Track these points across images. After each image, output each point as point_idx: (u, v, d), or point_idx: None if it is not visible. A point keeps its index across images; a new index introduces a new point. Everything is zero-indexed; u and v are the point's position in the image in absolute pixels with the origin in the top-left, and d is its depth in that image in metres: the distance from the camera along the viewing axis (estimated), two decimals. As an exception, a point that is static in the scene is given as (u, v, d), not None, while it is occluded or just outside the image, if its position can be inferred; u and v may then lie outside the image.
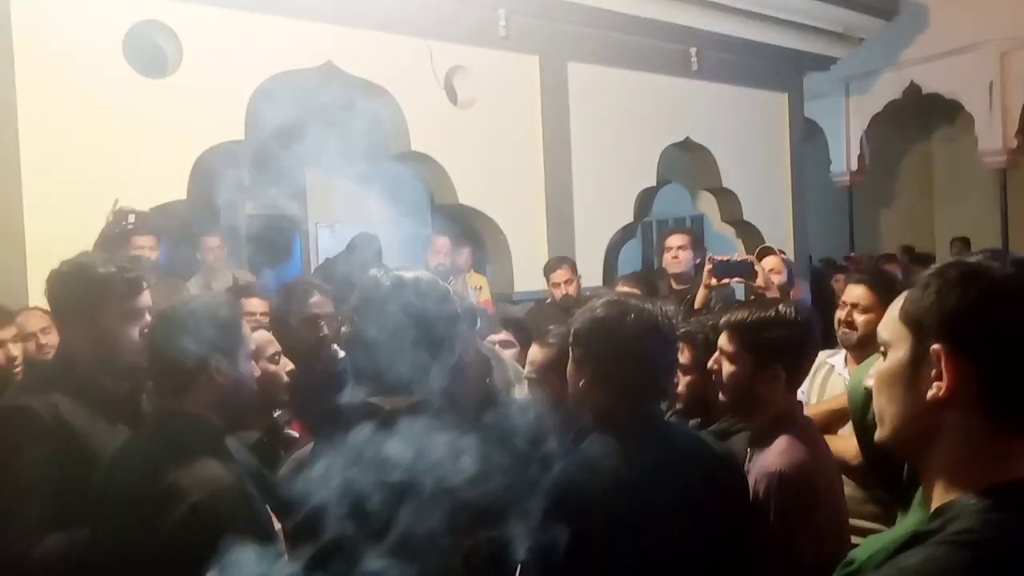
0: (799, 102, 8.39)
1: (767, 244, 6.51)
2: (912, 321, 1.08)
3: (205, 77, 4.77)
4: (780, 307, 2.11)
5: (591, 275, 6.62)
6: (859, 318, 3.06)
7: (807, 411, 2.47)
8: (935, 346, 1.02)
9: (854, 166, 10.92)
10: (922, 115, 11.09)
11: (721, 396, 2.16)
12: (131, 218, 4.13)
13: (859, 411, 2.19)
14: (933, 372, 1.02)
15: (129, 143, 4.48)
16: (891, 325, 1.12)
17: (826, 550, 1.80)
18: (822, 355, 3.27)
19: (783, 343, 2.05)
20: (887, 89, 10.29)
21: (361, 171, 7.67)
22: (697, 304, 4.13)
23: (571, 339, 1.87)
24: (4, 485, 1.89)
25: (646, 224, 12.43)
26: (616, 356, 1.75)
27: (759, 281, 3.99)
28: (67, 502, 1.86)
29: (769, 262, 4.32)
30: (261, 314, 4.04)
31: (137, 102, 4.56)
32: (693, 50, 7.22)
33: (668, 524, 1.55)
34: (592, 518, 1.51)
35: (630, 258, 10.13)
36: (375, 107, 5.73)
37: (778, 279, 4.28)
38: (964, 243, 9.58)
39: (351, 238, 6.49)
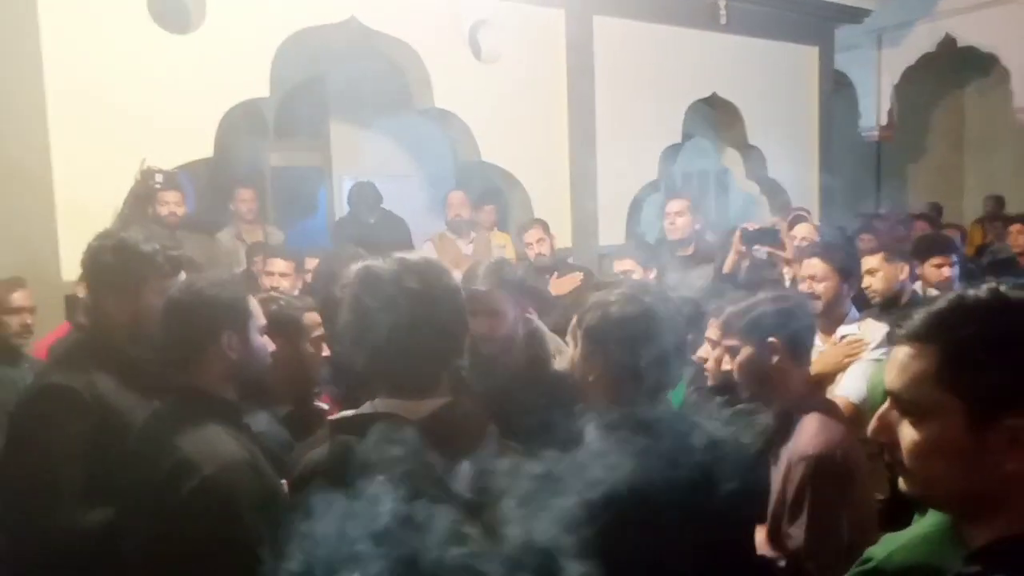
0: (829, 56, 8.21)
1: (798, 210, 6.52)
2: (966, 392, 0.98)
3: (229, 33, 4.75)
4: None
5: (614, 233, 6.61)
6: (818, 287, 3.23)
7: None
8: (1013, 422, 0.95)
9: (884, 120, 10.71)
10: (955, 69, 10.82)
11: (742, 392, 2.22)
12: (158, 177, 4.18)
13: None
14: (1000, 442, 0.96)
15: (155, 100, 4.48)
16: (929, 392, 1.02)
17: (861, 531, 1.83)
18: None
19: (770, 318, 2.10)
20: (921, 41, 10.02)
21: (385, 125, 7.69)
22: (726, 269, 4.32)
23: (581, 332, 1.83)
24: (46, 463, 1.94)
25: (671, 178, 12.31)
26: (630, 354, 1.72)
27: (787, 253, 4.03)
28: (106, 479, 1.92)
29: (801, 230, 4.32)
30: (281, 274, 4.11)
31: (162, 59, 4.56)
32: (722, 2, 7.06)
33: (674, 517, 1.55)
34: (601, 511, 1.51)
35: (655, 213, 10.05)
36: (399, 63, 5.68)
37: None
38: (997, 201, 9.43)
39: (348, 191, 6.52)
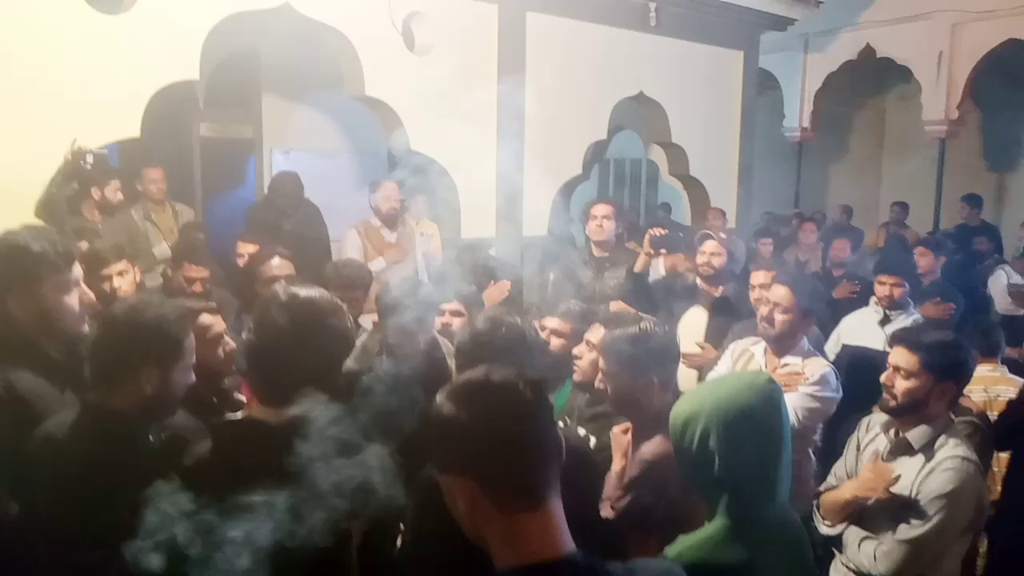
0: (754, 61, 8.54)
1: (714, 211, 6.95)
2: (435, 461, 1.26)
3: (161, 15, 4.79)
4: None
5: (536, 224, 6.85)
6: (779, 316, 3.43)
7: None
8: (445, 480, 1.24)
9: (807, 122, 11.16)
10: (876, 77, 11.31)
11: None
12: (89, 158, 4.22)
13: None
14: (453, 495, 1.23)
15: (84, 80, 4.51)
16: None
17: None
18: (744, 342, 3.67)
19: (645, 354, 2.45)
20: (843, 49, 10.47)
21: (317, 102, 7.77)
22: (637, 268, 4.78)
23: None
24: None
25: (604, 163, 12.59)
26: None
27: (699, 260, 4.62)
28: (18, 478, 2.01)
29: (708, 247, 4.62)
30: (199, 279, 4.29)
31: (93, 38, 4.58)
32: (652, 5, 7.30)
33: None
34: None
35: (585, 200, 10.32)
36: (331, 50, 5.78)
37: (718, 261, 4.59)
38: (902, 207, 9.94)
39: (271, 179, 6.60)
